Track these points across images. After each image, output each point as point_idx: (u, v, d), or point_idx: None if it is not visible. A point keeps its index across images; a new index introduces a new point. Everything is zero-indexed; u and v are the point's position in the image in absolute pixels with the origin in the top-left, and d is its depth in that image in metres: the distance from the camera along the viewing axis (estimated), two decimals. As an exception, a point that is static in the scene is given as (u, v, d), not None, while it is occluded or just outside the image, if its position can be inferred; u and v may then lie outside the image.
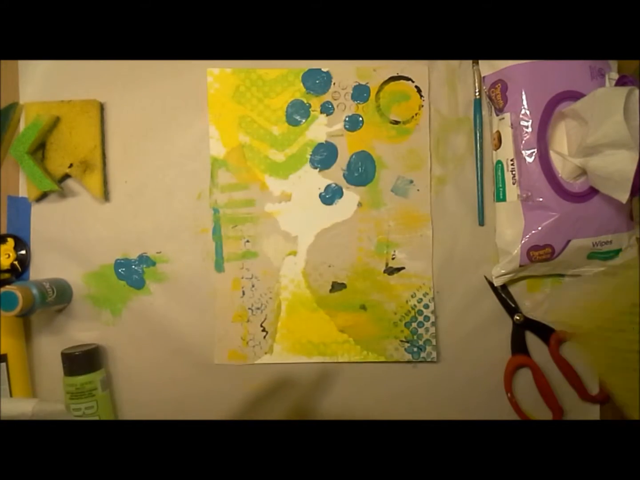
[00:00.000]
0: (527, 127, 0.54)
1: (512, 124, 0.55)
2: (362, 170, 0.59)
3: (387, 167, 0.59)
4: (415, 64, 0.59)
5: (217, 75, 0.58)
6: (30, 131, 0.54)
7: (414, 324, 0.58)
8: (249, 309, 0.58)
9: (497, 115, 0.57)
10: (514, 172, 0.56)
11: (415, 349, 0.58)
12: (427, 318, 0.58)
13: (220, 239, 0.58)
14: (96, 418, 0.54)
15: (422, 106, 0.59)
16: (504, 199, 0.57)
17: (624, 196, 0.48)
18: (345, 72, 0.59)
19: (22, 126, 0.57)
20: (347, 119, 0.59)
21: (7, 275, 0.57)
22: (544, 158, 0.54)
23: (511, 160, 0.56)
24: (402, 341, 0.58)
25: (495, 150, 0.58)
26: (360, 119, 0.59)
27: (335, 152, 0.59)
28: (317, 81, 0.59)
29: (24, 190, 0.58)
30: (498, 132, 0.57)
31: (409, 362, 0.58)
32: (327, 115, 0.59)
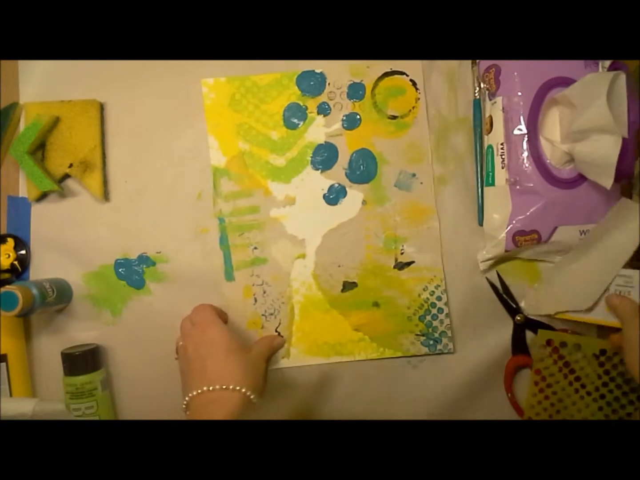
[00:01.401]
0: (518, 111, 0.55)
1: (503, 108, 0.55)
2: (363, 168, 0.59)
3: (389, 163, 0.59)
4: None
5: (212, 85, 0.58)
6: (30, 131, 0.54)
7: (428, 317, 0.58)
8: (263, 315, 0.58)
9: (490, 99, 0.57)
10: (503, 157, 0.56)
11: (431, 342, 0.58)
12: (440, 310, 0.58)
13: (228, 248, 0.58)
14: (96, 418, 0.54)
15: (419, 99, 0.59)
16: (492, 184, 0.57)
17: (608, 182, 0.48)
18: (338, 71, 0.59)
19: (22, 126, 0.57)
20: (344, 118, 0.59)
21: (7, 275, 0.56)
22: (533, 143, 0.54)
23: (501, 144, 0.56)
24: (417, 335, 0.58)
25: (487, 134, 0.58)
26: (358, 116, 0.59)
27: (335, 152, 0.59)
28: (312, 83, 0.59)
29: (24, 190, 0.57)
30: (490, 116, 0.57)
31: (425, 355, 0.58)
32: (324, 116, 0.59)
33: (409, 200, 0.59)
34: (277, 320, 0.58)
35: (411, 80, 0.59)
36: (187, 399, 0.46)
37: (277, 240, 0.58)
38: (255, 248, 0.58)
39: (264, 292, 0.58)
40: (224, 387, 0.45)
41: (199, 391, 0.45)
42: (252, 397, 0.45)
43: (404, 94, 0.59)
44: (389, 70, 0.59)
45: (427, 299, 0.58)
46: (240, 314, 0.58)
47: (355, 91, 0.59)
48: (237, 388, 0.45)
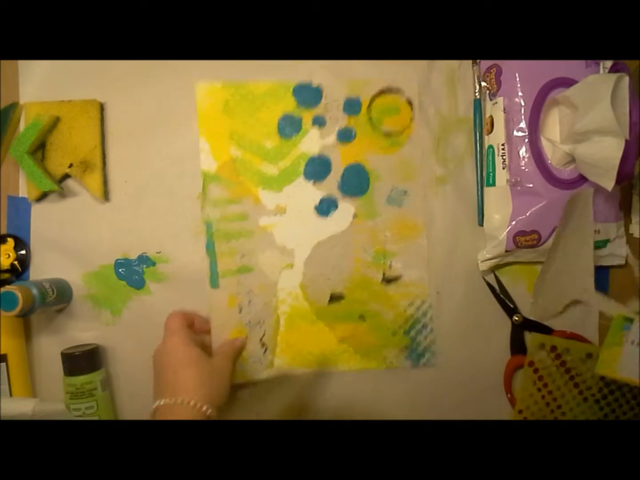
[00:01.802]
0: (519, 111, 0.55)
1: (504, 109, 0.56)
2: (356, 182, 0.58)
3: (381, 179, 0.59)
4: (405, 75, 0.59)
5: (206, 90, 0.57)
6: (30, 131, 0.54)
7: (413, 332, 0.58)
8: (247, 324, 0.57)
9: (491, 100, 0.57)
10: (504, 157, 0.56)
11: (414, 356, 0.58)
12: (425, 326, 0.58)
13: (214, 254, 0.57)
14: (96, 418, 0.53)
15: (413, 119, 0.59)
16: (493, 184, 0.57)
17: (609, 183, 0.49)
18: (336, 85, 0.59)
19: (22, 126, 0.57)
20: (339, 131, 0.58)
21: (7, 275, 0.56)
22: (534, 143, 0.55)
23: (502, 144, 0.56)
24: (401, 349, 0.58)
25: (488, 135, 0.58)
26: (353, 131, 0.59)
27: (328, 165, 0.58)
28: (308, 95, 0.58)
29: (24, 190, 0.57)
30: (491, 116, 0.57)
31: (409, 368, 0.58)
32: (319, 127, 0.58)
33: (399, 217, 0.59)
34: (261, 330, 0.57)
35: (407, 98, 0.59)
36: (151, 410, 0.45)
37: (265, 249, 0.57)
38: (243, 256, 0.57)
39: (249, 302, 0.57)
40: (172, 400, 0.44)
41: (155, 405, 0.45)
42: (204, 408, 0.44)
43: (398, 113, 0.59)
44: (386, 87, 0.59)
45: (413, 314, 0.58)
46: (224, 324, 0.56)
47: (351, 106, 0.58)
48: (186, 402, 0.44)
